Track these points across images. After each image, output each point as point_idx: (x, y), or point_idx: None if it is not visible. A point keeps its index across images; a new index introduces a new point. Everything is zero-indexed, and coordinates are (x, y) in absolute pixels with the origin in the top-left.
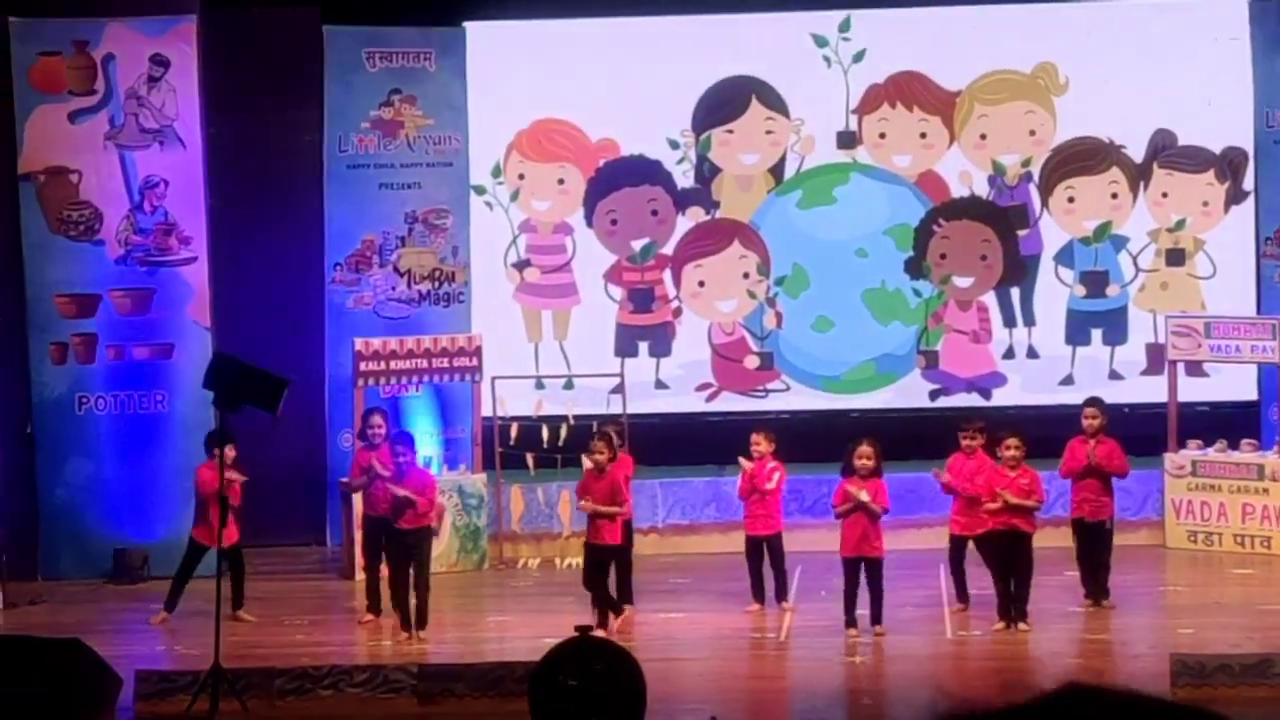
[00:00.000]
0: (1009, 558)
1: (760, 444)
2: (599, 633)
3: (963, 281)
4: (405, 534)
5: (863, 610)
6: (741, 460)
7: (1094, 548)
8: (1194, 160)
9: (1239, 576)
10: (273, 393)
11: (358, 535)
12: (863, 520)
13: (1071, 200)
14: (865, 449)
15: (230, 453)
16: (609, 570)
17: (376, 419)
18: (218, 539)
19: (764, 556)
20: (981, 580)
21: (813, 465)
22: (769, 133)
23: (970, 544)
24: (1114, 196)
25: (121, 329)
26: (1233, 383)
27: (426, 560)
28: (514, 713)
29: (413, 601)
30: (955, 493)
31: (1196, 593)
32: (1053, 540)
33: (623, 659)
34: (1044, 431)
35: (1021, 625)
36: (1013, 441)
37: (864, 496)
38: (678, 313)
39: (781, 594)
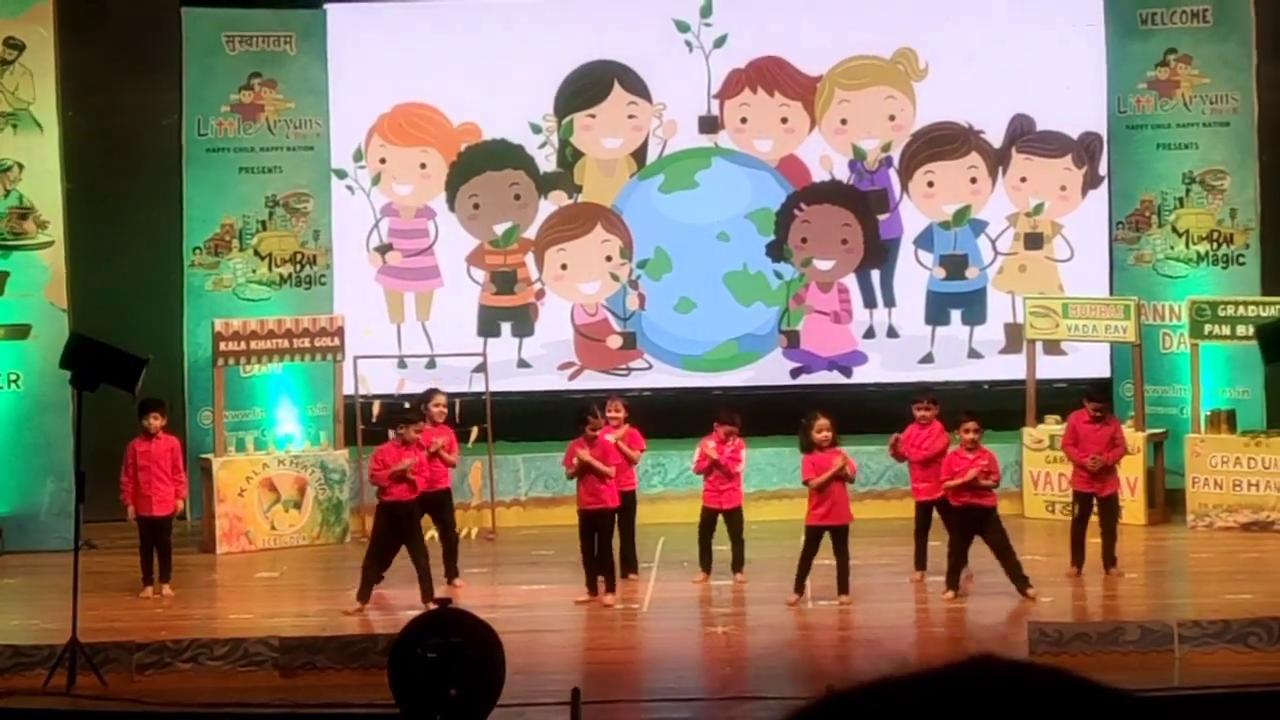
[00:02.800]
0: (976, 534)
1: (734, 430)
2: (607, 600)
3: (824, 264)
4: (398, 505)
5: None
6: (706, 444)
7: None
8: (1052, 145)
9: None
10: (130, 372)
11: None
12: (836, 489)
13: (931, 185)
14: (823, 422)
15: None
16: (607, 535)
17: (440, 398)
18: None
19: (715, 529)
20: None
21: (673, 440)
22: (631, 117)
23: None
24: (973, 181)
25: None
26: (1088, 360)
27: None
28: (376, 685)
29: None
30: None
31: (1054, 562)
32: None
33: (481, 631)
34: (905, 409)
35: (1029, 592)
36: (971, 425)
37: (848, 469)
38: (540, 295)
39: (738, 566)
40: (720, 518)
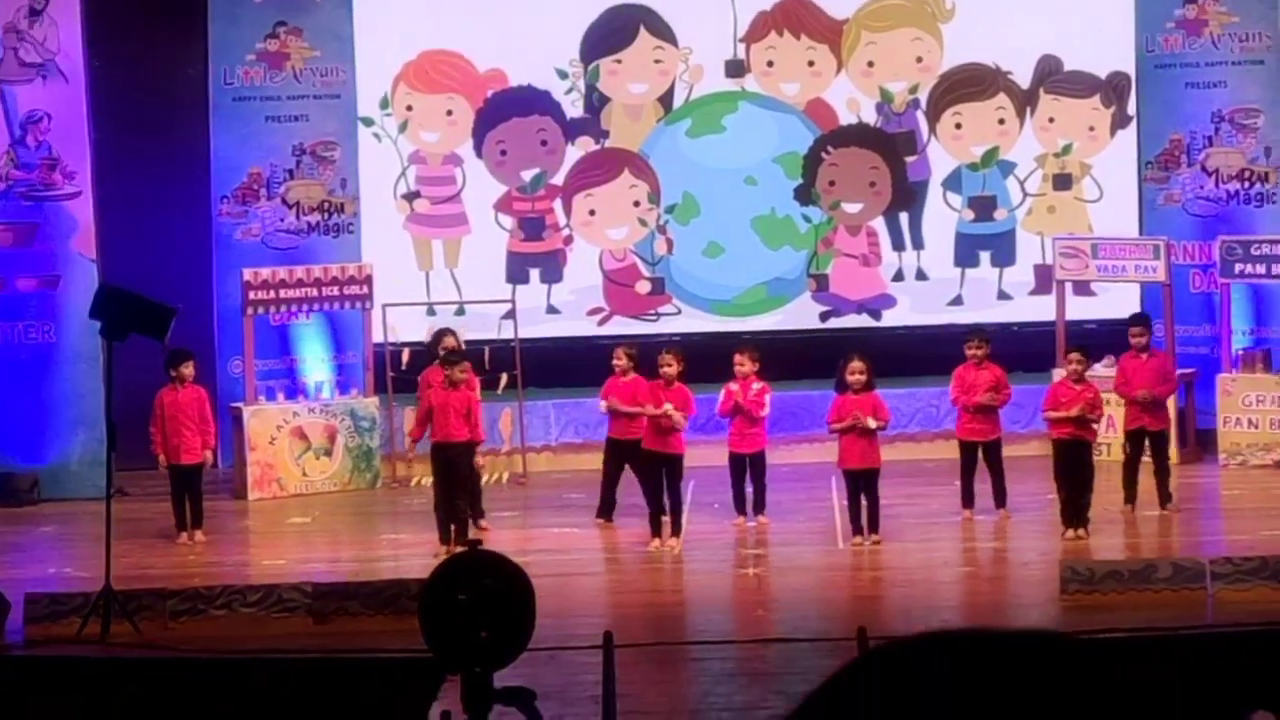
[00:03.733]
0: (1075, 467)
1: (744, 364)
2: (671, 543)
3: (852, 208)
4: (450, 446)
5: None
6: (730, 386)
7: (990, 463)
8: (1080, 85)
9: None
10: (160, 321)
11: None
12: (857, 436)
13: (959, 126)
14: (856, 364)
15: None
16: (676, 479)
17: (449, 339)
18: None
19: (745, 472)
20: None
21: (703, 385)
22: (657, 62)
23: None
24: (1001, 122)
25: (4, 262)
26: (1118, 301)
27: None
28: (408, 630)
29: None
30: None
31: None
32: (944, 453)
33: (512, 573)
34: (935, 351)
35: (1080, 531)
36: (1076, 356)
37: (871, 424)
38: (569, 240)
39: (759, 508)
40: (746, 461)
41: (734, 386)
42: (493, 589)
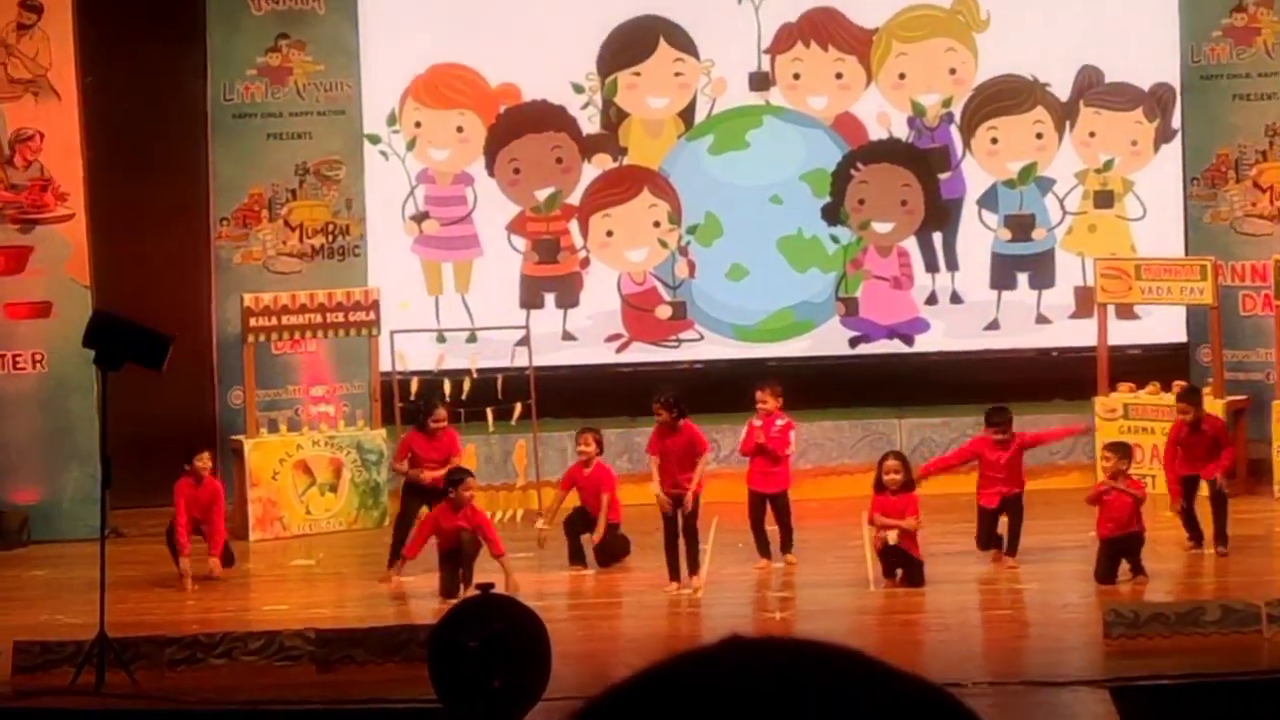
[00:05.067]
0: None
1: (766, 400)
2: (693, 582)
3: (882, 227)
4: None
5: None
6: (753, 423)
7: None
8: (1122, 98)
9: (1173, 519)
10: (157, 349)
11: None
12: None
13: (995, 141)
14: (892, 464)
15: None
16: (691, 517)
17: (441, 412)
18: None
19: (765, 512)
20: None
21: (726, 415)
22: (678, 75)
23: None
24: (1039, 137)
25: None
26: (1163, 325)
27: None
28: (419, 679)
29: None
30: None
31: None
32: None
33: (525, 618)
34: (970, 378)
35: (1139, 578)
36: (1106, 453)
37: (896, 532)
38: (585, 263)
39: (787, 547)
40: (767, 501)
41: (756, 423)
42: (505, 634)
